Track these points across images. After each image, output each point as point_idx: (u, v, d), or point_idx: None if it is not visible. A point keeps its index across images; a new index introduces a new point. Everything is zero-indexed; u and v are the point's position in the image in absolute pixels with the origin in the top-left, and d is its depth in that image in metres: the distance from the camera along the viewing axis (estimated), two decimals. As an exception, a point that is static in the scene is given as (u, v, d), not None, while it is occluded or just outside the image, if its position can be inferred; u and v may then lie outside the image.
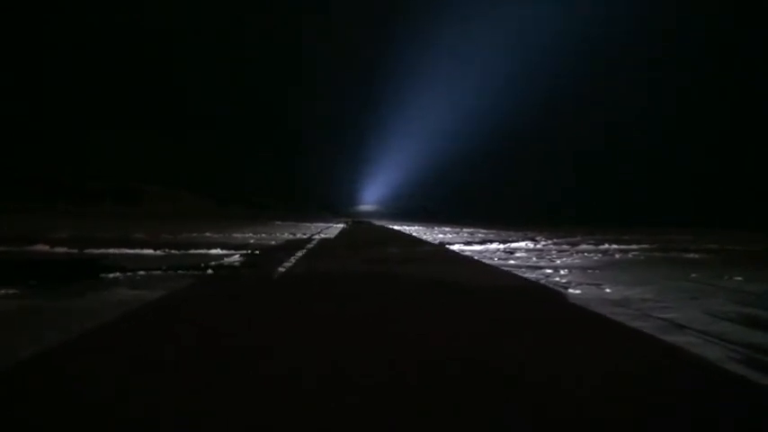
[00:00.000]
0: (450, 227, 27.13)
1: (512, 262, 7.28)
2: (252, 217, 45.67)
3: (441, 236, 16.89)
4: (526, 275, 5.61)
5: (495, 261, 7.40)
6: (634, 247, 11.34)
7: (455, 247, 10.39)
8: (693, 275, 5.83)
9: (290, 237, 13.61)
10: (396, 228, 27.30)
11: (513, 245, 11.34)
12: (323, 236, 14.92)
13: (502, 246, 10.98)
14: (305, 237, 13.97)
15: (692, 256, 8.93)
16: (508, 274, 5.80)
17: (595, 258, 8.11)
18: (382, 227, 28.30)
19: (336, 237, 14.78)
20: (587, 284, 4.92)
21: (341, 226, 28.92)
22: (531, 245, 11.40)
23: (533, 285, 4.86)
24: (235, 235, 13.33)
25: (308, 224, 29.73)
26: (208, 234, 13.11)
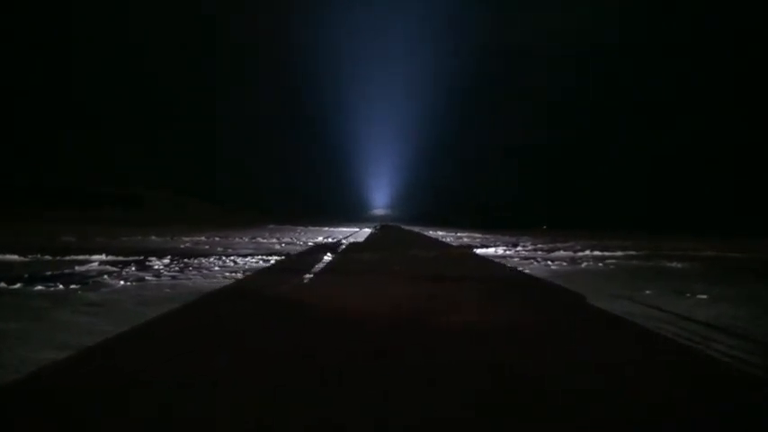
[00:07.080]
0: (445, 231, 26.00)
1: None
2: (249, 222, 45.47)
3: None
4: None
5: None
6: (619, 254, 10.18)
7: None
8: (648, 292, 4.81)
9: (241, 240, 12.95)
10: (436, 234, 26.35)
11: (480, 251, 10.36)
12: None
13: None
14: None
15: (673, 265, 7.78)
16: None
17: (553, 268, 7.10)
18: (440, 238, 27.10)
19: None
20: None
21: (368, 231, 23.52)
22: (501, 251, 10.39)
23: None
24: (185, 238, 12.79)
25: (300, 228, 28.44)
26: (153, 238, 12.65)
